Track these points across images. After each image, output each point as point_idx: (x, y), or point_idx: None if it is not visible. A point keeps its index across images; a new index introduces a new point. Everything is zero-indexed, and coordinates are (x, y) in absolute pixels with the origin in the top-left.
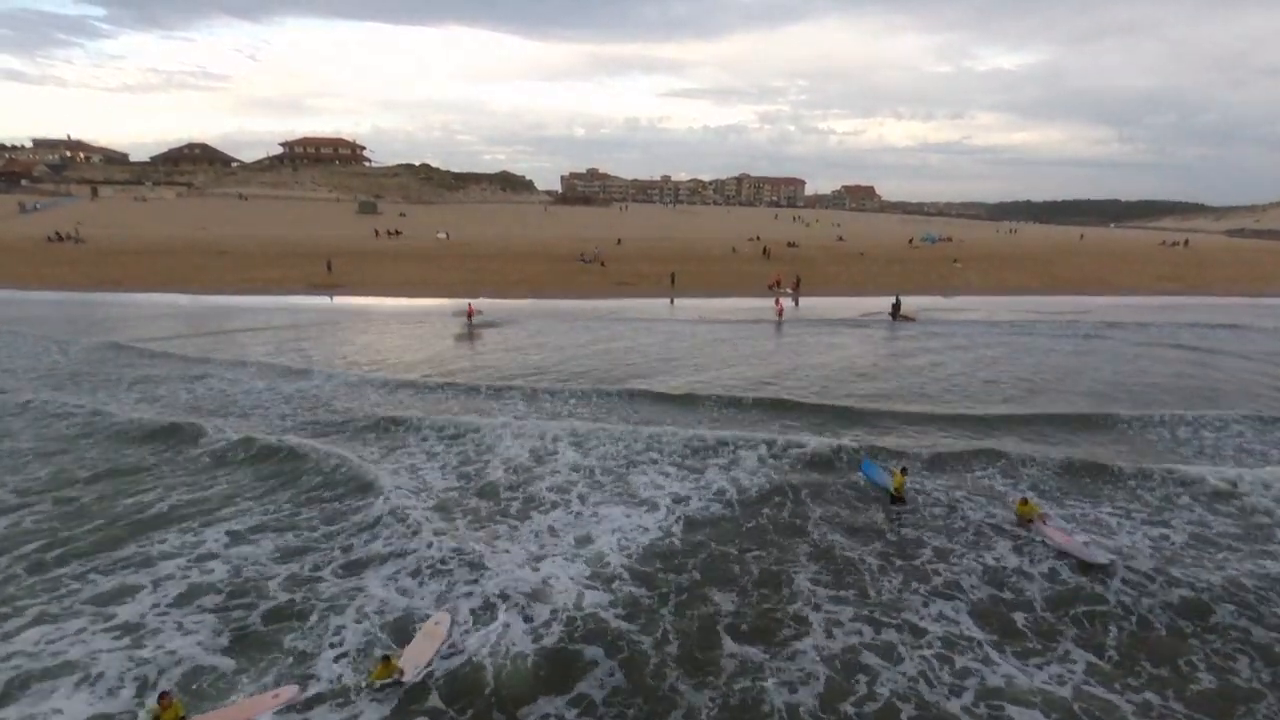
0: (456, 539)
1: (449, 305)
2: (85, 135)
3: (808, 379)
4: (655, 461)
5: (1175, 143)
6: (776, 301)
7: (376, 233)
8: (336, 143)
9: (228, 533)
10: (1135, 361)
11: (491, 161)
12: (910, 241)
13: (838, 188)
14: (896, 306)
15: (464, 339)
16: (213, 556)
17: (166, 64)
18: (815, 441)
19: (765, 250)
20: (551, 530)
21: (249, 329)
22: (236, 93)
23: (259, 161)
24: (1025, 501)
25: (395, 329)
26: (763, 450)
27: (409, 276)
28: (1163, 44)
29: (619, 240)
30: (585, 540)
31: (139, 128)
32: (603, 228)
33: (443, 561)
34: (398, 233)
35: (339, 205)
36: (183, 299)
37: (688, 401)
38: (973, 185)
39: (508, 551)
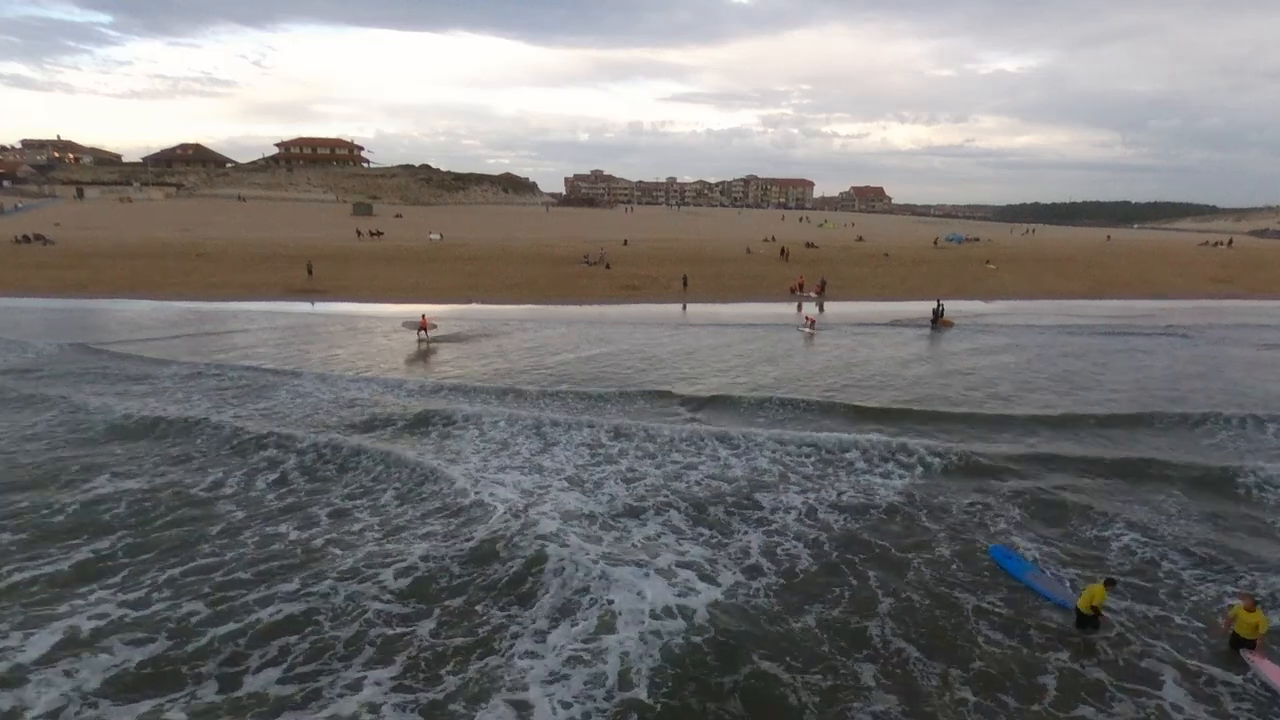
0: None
1: (421, 311)
2: (93, 141)
3: (870, 389)
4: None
5: (1179, 146)
6: (807, 317)
7: (359, 233)
8: (334, 143)
9: None
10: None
11: (495, 166)
12: (935, 242)
13: (846, 189)
14: (939, 313)
15: (415, 359)
16: None
17: (173, 70)
18: (883, 488)
19: (783, 251)
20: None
21: (183, 336)
22: (243, 99)
23: (253, 162)
24: (1252, 606)
25: (355, 340)
26: (832, 491)
27: (396, 281)
28: (1166, 48)
29: (625, 241)
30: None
31: (146, 134)
32: (607, 229)
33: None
34: (378, 234)
35: (333, 206)
36: (143, 305)
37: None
38: (977, 188)
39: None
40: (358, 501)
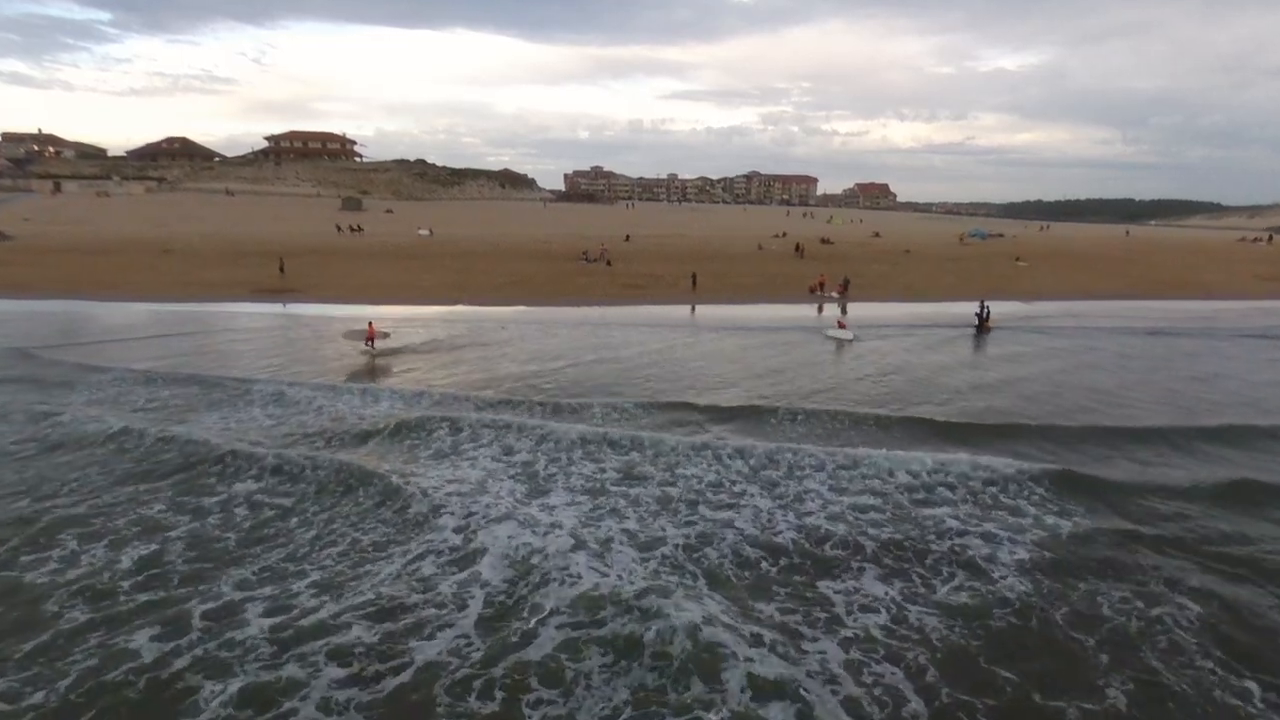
0: None
1: (374, 315)
2: (93, 139)
3: (929, 401)
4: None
5: (1180, 144)
6: (839, 322)
7: (339, 229)
8: (325, 137)
9: None
10: None
11: (495, 163)
12: (961, 239)
13: (849, 186)
14: (984, 316)
15: (360, 373)
16: None
17: (172, 68)
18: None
19: (798, 248)
20: None
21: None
22: (242, 96)
23: (241, 157)
24: None
25: (313, 346)
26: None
27: (377, 279)
28: (1167, 45)
29: (627, 237)
30: None
31: (147, 132)
32: (608, 224)
33: None
34: (359, 228)
35: (322, 201)
36: (90, 306)
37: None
38: (978, 186)
39: None
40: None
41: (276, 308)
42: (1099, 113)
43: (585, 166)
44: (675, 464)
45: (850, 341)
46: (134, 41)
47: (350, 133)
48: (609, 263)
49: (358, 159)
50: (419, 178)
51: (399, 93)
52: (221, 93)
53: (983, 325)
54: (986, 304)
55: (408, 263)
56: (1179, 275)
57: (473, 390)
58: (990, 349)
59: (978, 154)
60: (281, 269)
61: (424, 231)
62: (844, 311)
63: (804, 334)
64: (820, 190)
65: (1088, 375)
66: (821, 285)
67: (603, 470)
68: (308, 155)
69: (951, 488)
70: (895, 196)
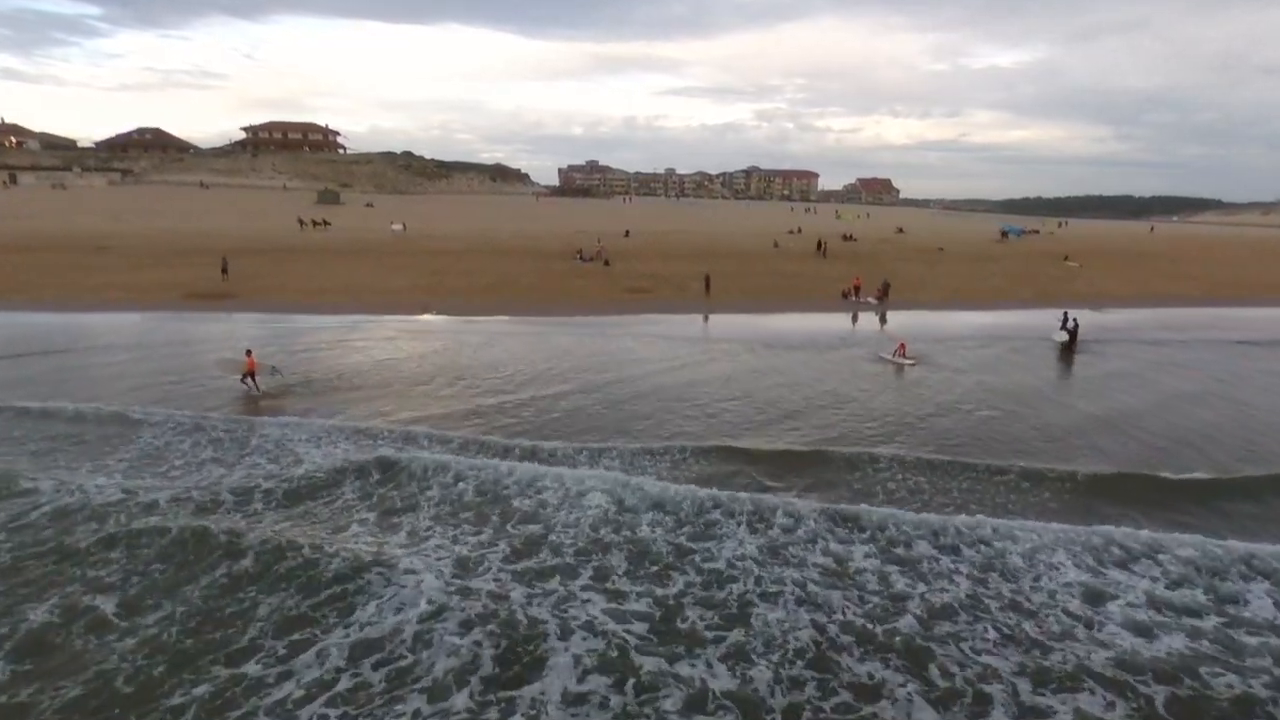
0: None
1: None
2: (84, 134)
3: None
4: None
5: (1174, 141)
6: (900, 345)
7: (301, 223)
8: (306, 128)
9: None
10: None
11: (489, 159)
12: (1004, 236)
13: (850, 182)
14: (1073, 331)
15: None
16: None
17: (164, 63)
18: None
19: (820, 245)
20: None
21: None
22: (235, 92)
23: (216, 148)
24: None
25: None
26: None
27: (336, 282)
28: (1160, 43)
29: (626, 233)
30: None
31: (138, 127)
32: (605, 220)
33: None
34: (324, 223)
35: (298, 194)
36: None
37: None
38: (973, 183)
39: None
40: None
41: (202, 317)
42: (1093, 110)
43: (580, 162)
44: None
45: (906, 366)
46: (125, 36)
47: (344, 128)
48: (607, 262)
49: (340, 151)
50: (404, 170)
51: (393, 88)
52: (214, 88)
53: (1073, 341)
54: (1073, 316)
55: (376, 262)
56: (1248, 276)
57: (441, 425)
58: (1087, 369)
59: (972, 151)
60: (224, 270)
61: (397, 227)
62: (883, 321)
63: (849, 350)
64: (820, 186)
65: (1232, 404)
66: (857, 290)
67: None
68: (287, 147)
69: None
70: (899, 192)
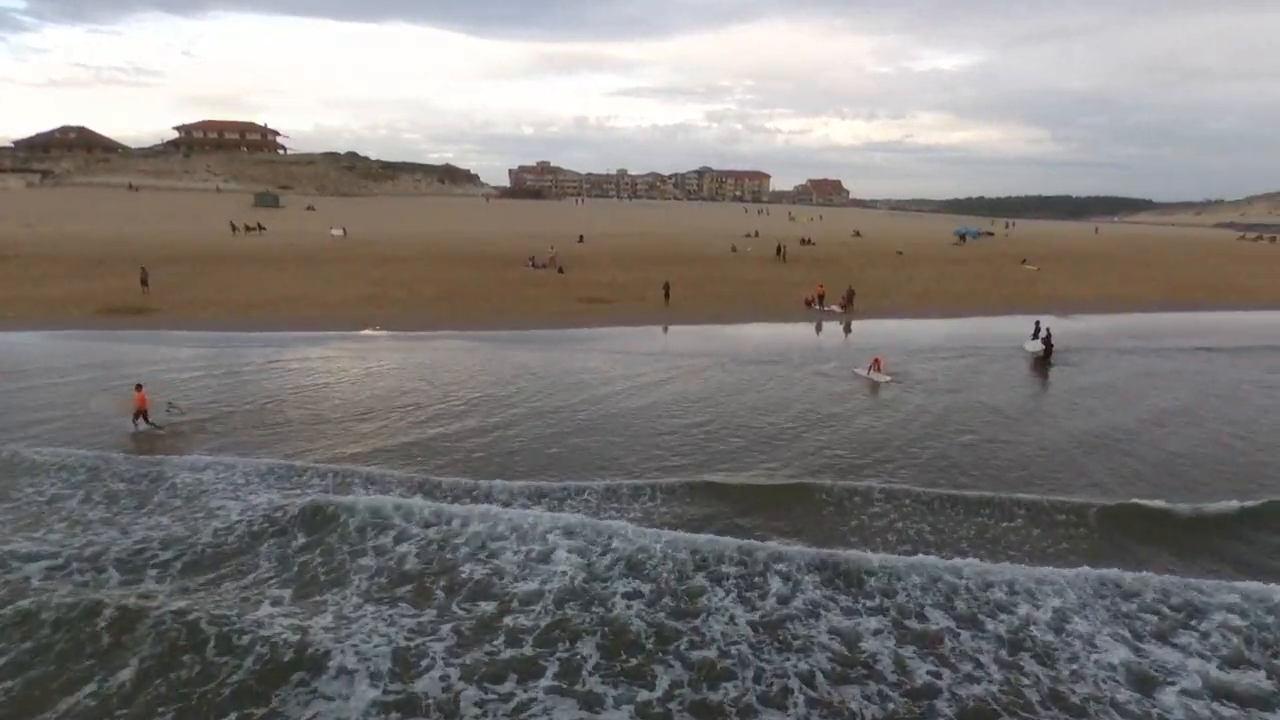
0: None
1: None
2: (3, 134)
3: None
4: None
5: (1108, 143)
6: (874, 360)
7: (233, 228)
8: (244, 127)
9: None
10: None
11: (438, 159)
12: (962, 239)
13: (801, 183)
14: (1047, 341)
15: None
16: None
17: (95, 59)
18: None
19: (780, 250)
20: None
21: None
22: (171, 89)
23: (147, 148)
24: None
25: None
26: None
27: (268, 294)
28: (1094, 48)
29: (580, 238)
30: None
31: (61, 125)
32: (557, 222)
33: None
34: (259, 228)
35: (235, 197)
36: None
37: None
38: (918, 183)
39: None
40: None
41: (116, 336)
42: (1031, 112)
43: (531, 163)
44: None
45: (882, 383)
46: (53, 31)
47: (287, 128)
48: (561, 269)
49: (280, 151)
50: (348, 171)
51: (338, 87)
52: (150, 85)
53: (1048, 353)
54: (1045, 326)
55: (314, 271)
56: (1209, 279)
57: (380, 460)
58: (1067, 382)
59: (917, 152)
60: (144, 282)
61: (337, 232)
62: (848, 330)
63: (821, 365)
64: (772, 187)
65: (1222, 419)
66: (820, 298)
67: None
68: (223, 147)
69: None
70: (849, 193)
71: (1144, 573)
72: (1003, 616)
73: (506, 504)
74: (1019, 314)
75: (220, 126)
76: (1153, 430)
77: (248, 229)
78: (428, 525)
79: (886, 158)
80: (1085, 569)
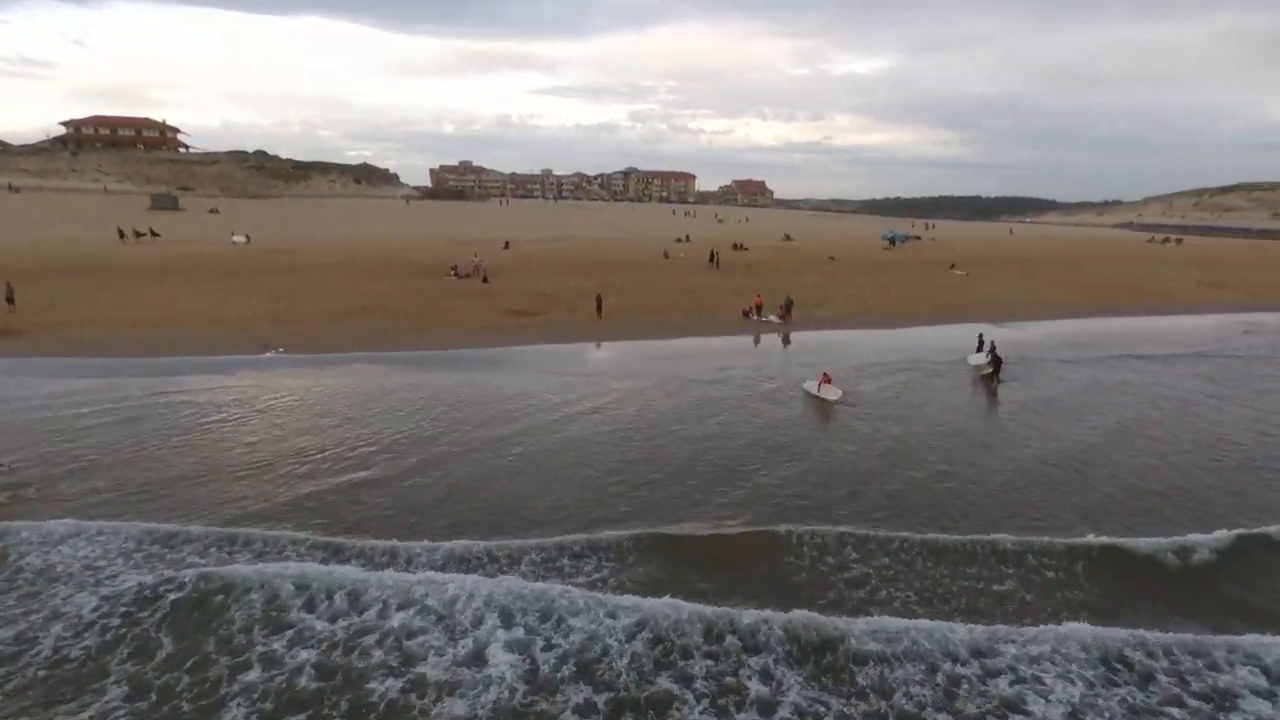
0: None
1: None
2: None
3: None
4: None
5: (1011, 145)
6: (824, 375)
7: (122, 234)
8: (141, 123)
9: None
10: None
11: (356, 158)
12: (892, 244)
13: (726, 183)
14: (995, 357)
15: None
16: None
17: None
18: None
19: (713, 256)
20: None
21: None
22: (64, 82)
23: (30, 145)
24: None
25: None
26: None
27: (161, 309)
28: (997, 54)
29: (506, 244)
30: None
31: None
32: (482, 226)
33: None
34: (152, 234)
35: (130, 198)
36: None
37: None
38: (836, 183)
39: None
40: None
41: None
42: (940, 115)
43: (453, 162)
44: None
45: (830, 402)
46: None
47: (192, 124)
48: (485, 279)
49: (182, 149)
50: (256, 171)
51: (247, 82)
52: (40, 78)
53: (997, 370)
54: (990, 340)
55: (212, 283)
56: (1131, 284)
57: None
58: (1019, 398)
59: (835, 153)
60: (10, 300)
61: (239, 238)
62: (786, 342)
63: (768, 384)
64: (698, 187)
65: (1186, 433)
66: (758, 308)
67: None
68: (117, 144)
69: None
70: (773, 194)
71: (1152, 634)
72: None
73: (441, 567)
74: (955, 323)
75: (114, 122)
76: (1119, 451)
77: (138, 235)
78: (334, 618)
79: (806, 158)
80: (1099, 633)
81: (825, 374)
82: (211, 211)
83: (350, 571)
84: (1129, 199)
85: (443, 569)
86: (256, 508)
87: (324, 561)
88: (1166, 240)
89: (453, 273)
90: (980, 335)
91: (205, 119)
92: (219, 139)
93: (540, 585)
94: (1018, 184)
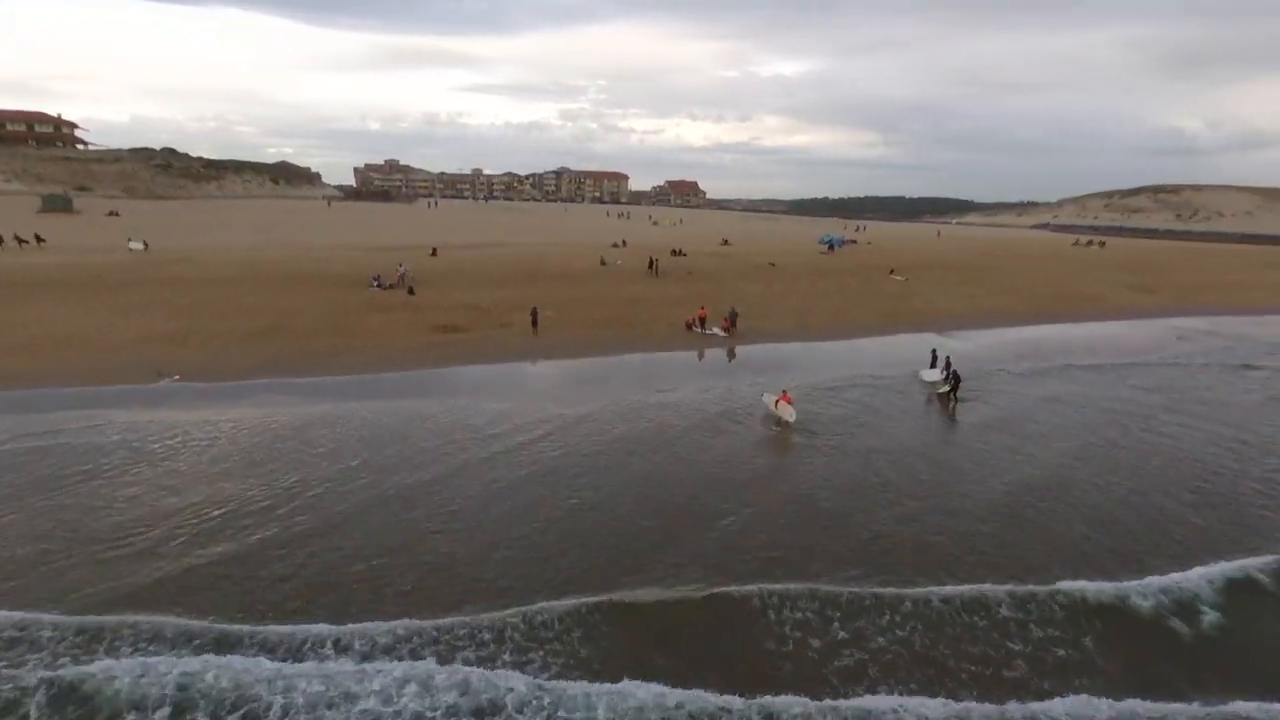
0: None
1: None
2: None
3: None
4: None
5: (930, 147)
6: (781, 396)
7: (1, 240)
8: (32, 117)
9: None
10: None
11: (276, 155)
12: (832, 248)
13: (659, 184)
14: (951, 375)
15: None
16: None
17: None
18: None
19: (652, 264)
20: None
21: None
22: None
23: None
24: None
25: None
26: None
27: (39, 330)
28: (917, 59)
29: (434, 251)
30: None
31: None
32: (409, 230)
33: None
34: (37, 240)
35: (14, 200)
36: None
37: None
38: (765, 183)
39: None
40: None
41: None
42: (864, 117)
43: (379, 160)
44: None
45: (785, 426)
46: None
47: (97, 119)
48: (411, 290)
49: (81, 146)
50: (163, 170)
51: (160, 76)
52: None
53: (955, 389)
54: (946, 356)
55: (102, 299)
56: (1063, 289)
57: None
58: (979, 417)
59: (764, 153)
60: None
61: (137, 245)
62: (732, 356)
63: (722, 406)
64: (631, 187)
65: (1154, 450)
66: (702, 320)
67: None
68: (4, 140)
69: None
70: (706, 194)
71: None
72: None
73: (364, 657)
74: (902, 332)
75: (1, 116)
76: (1093, 479)
77: (21, 242)
78: None
79: (736, 159)
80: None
81: (785, 393)
82: (110, 214)
83: (247, 667)
84: (1043, 200)
85: (362, 656)
86: (130, 587)
87: (218, 652)
88: (1090, 243)
89: (375, 283)
90: (934, 351)
91: (115, 114)
92: (130, 134)
93: (477, 674)
94: (938, 184)
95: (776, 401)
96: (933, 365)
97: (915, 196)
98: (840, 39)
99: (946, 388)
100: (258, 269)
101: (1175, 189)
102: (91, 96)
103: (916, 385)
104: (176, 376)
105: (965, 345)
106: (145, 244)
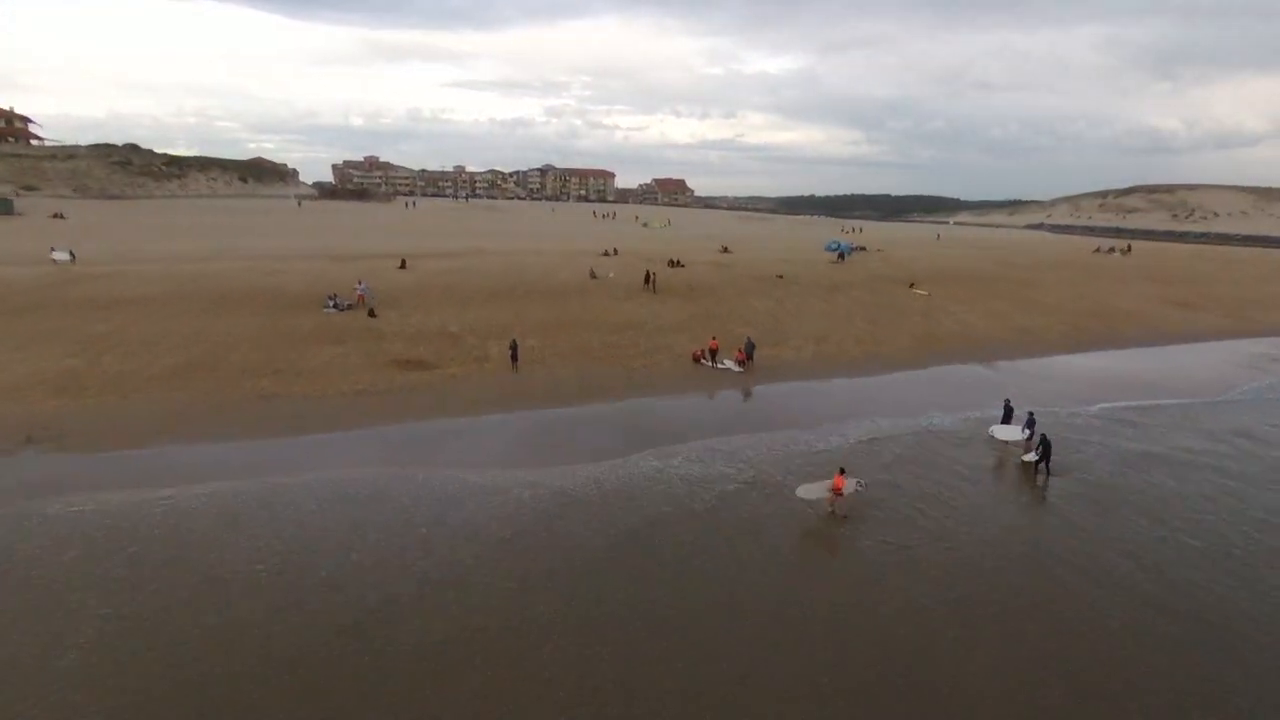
0: None
1: None
2: None
3: None
4: None
5: (913, 146)
6: (834, 489)
7: None
8: None
9: None
10: None
11: (256, 150)
12: (842, 257)
13: (646, 181)
14: (1041, 442)
15: None
16: None
17: None
18: None
19: (649, 278)
20: None
21: None
22: None
23: None
24: None
25: None
26: None
27: None
28: (898, 57)
29: (403, 263)
30: None
31: None
32: (380, 235)
33: None
34: None
35: None
36: None
37: None
38: (751, 180)
39: None
40: None
41: None
42: (847, 115)
43: (358, 157)
44: None
45: (835, 510)
46: None
47: (72, 114)
48: (372, 312)
49: (35, 142)
50: (121, 168)
51: (138, 70)
52: None
53: (1045, 459)
54: (1027, 411)
55: (8, 321)
56: (1096, 306)
57: None
58: (1072, 492)
59: (748, 150)
60: None
61: (61, 255)
62: (748, 396)
63: (736, 478)
64: (617, 184)
65: None
66: (713, 353)
67: None
68: None
69: None
70: (693, 192)
71: None
72: None
73: None
74: (942, 363)
75: None
76: (1259, 588)
77: None
78: None
79: (721, 156)
80: None
81: (839, 476)
82: (55, 216)
83: None
84: (1027, 198)
85: None
86: None
87: None
88: (1113, 250)
89: (332, 304)
90: (1007, 402)
91: (89, 108)
92: (106, 129)
93: None
94: (921, 182)
95: (831, 490)
96: (1005, 419)
97: (901, 194)
98: (823, 36)
99: (1034, 457)
100: (198, 284)
101: (1169, 188)
102: (66, 91)
103: (983, 443)
104: (49, 442)
105: (1015, 381)
106: (72, 254)
